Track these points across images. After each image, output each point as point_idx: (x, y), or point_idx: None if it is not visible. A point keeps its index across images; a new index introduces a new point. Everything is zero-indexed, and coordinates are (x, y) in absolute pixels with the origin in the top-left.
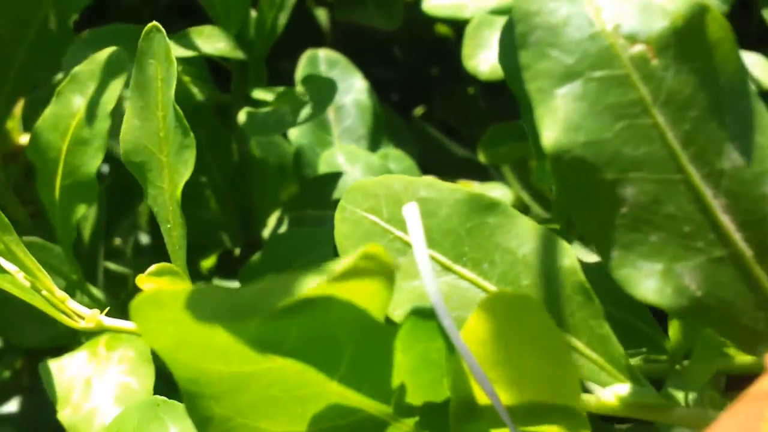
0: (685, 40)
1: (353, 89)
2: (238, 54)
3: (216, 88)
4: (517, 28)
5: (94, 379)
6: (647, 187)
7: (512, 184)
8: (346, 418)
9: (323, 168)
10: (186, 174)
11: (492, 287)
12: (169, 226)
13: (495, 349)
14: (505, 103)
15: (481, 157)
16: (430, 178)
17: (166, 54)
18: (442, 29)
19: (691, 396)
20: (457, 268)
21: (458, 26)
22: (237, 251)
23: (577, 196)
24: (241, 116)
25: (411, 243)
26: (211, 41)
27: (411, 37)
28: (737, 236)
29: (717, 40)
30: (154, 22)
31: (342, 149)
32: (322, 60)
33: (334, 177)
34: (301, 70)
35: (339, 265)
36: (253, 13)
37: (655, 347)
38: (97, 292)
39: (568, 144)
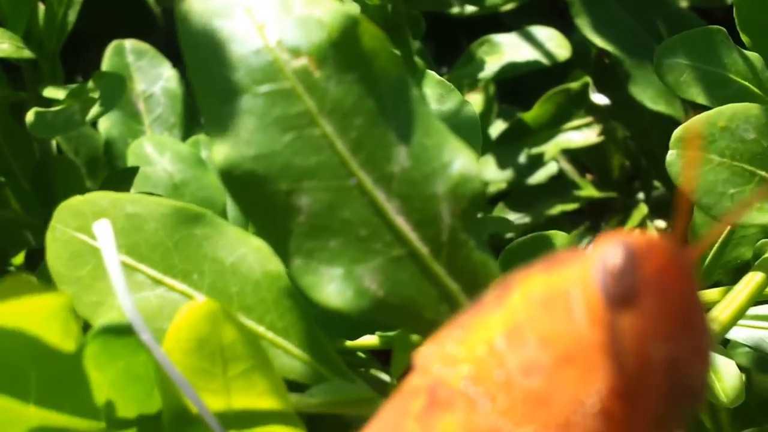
0: (342, 52)
1: (162, 77)
2: (24, 53)
3: (10, 87)
4: (181, 44)
5: None
6: (321, 195)
7: None
8: None
9: (132, 159)
10: None
11: (202, 297)
12: None
13: (197, 357)
14: None
15: None
16: (135, 195)
17: None
18: None
19: None
20: (168, 280)
21: None
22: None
23: (254, 210)
24: (29, 117)
25: (105, 259)
26: None
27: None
28: (412, 235)
29: (372, 50)
30: None
31: (150, 139)
32: (129, 51)
33: (132, 172)
34: (107, 61)
35: None
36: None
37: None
38: None
39: (237, 159)
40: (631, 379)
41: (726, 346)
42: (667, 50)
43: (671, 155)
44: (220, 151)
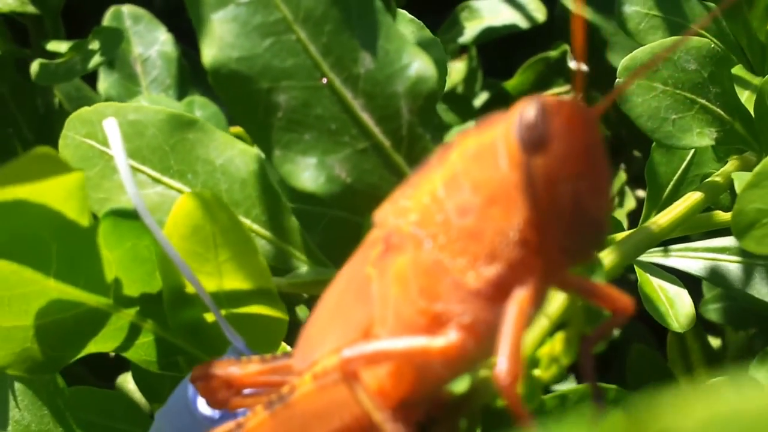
0: None
1: (158, 41)
2: (30, 8)
3: (14, 43)
4: None
5: None
6: (297, 93)
7: None
8: (70, 311)
9: None
10: None
11: None
12: None
13: (193, 242)
14: None
15: None
16: (137, 104)
17: None
18: None
19: None
20: (166, 179)
21: None
22: None
23: (238, 106)
24: (34, 66)
25: (113, 153)
26: None
27: None
28: (376, 130)
29: None
30: None
31: (146, 98)
32: (126, 16)
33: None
34: (105, 26)
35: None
36: None
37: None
38: None
39: (224, 60)
40: (543, 211)
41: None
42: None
43: (618, 83)
44: (208, 54)
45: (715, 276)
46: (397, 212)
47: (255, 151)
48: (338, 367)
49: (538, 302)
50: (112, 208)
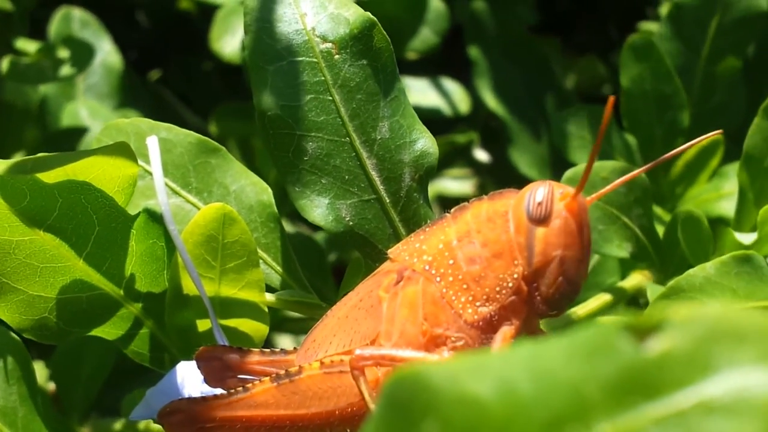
0: (358, 44)
1: (102, 50)
2: (5, 5)
3: None
4: (244, 18)
5: None
6: (323, 144)
7: (237, 157)
8: (87, 293)
9: (66, 118)
10: None
11: None
12: None
13: (204, 250)
14: (238, 84)
15: (212, 129)
16: (169, 125)
17: None
18: (184, 4)
19: None
20: (184, 193)
21: (203, 6)
22: None
23: (274, 143)
24: (5, 64)
25: (151, 170)
26: None
27: (155, 5)
28: (381, 187)
29: (380, 48)
30: None
31: (85, 104)
32: (76, 19)
33: (80, 132)
34: (55, 26)
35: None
36: None
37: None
38: None
39: (271, 105)
40: (536, 270)
41: None
42: (566, 118)
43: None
44: (259, 96)
45: None
46: (412, 252)
47: (265, 185)
48: (350, 362)
49: (517, 338)
50: (146, 207)
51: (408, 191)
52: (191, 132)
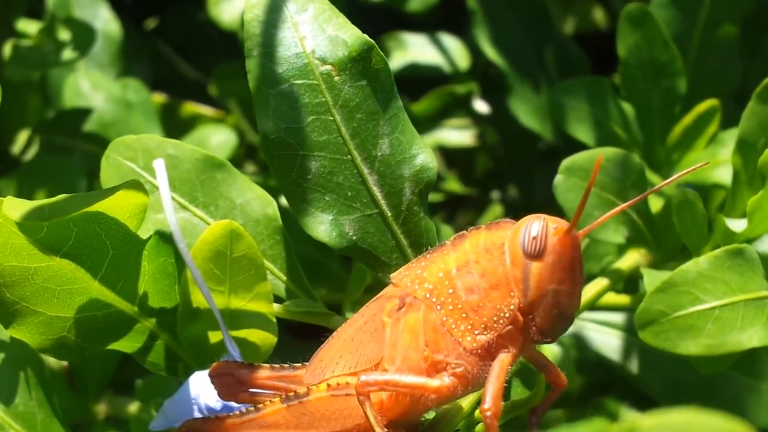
0: (357, 66)
1: (100, 18)
2: None
3: None
4: (245, 43)
5: None
6: (326, 162)
7: (237, 118)
8: (103, 311)
9: (68, 91)
10: None
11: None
12: None
13: (213, 264)
14: (234, 36)
15: (212, 90)
16: (176, 141)
17: None
18: None
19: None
20: (191, 207)
21: None
22: None
23: (278, 163)
24: (7, 49)
25: (158, 186)
26: None
27: None
28: (383, 202)
29: (378, 68)
30: None
31: (86, 75)
32: None
33: (85, 112)
34: None
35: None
36: None
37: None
38: None
39: (274, 128)
40: (531, 301)
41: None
42: (564, 90)
43: (558, 179)
44: (262, 120)
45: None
46: (414, 279)
47: (270, 198)
48: (356, 388)
49: (513, 364)
50: (157, 230)
51: (409, 204)
52: (197, 148)
